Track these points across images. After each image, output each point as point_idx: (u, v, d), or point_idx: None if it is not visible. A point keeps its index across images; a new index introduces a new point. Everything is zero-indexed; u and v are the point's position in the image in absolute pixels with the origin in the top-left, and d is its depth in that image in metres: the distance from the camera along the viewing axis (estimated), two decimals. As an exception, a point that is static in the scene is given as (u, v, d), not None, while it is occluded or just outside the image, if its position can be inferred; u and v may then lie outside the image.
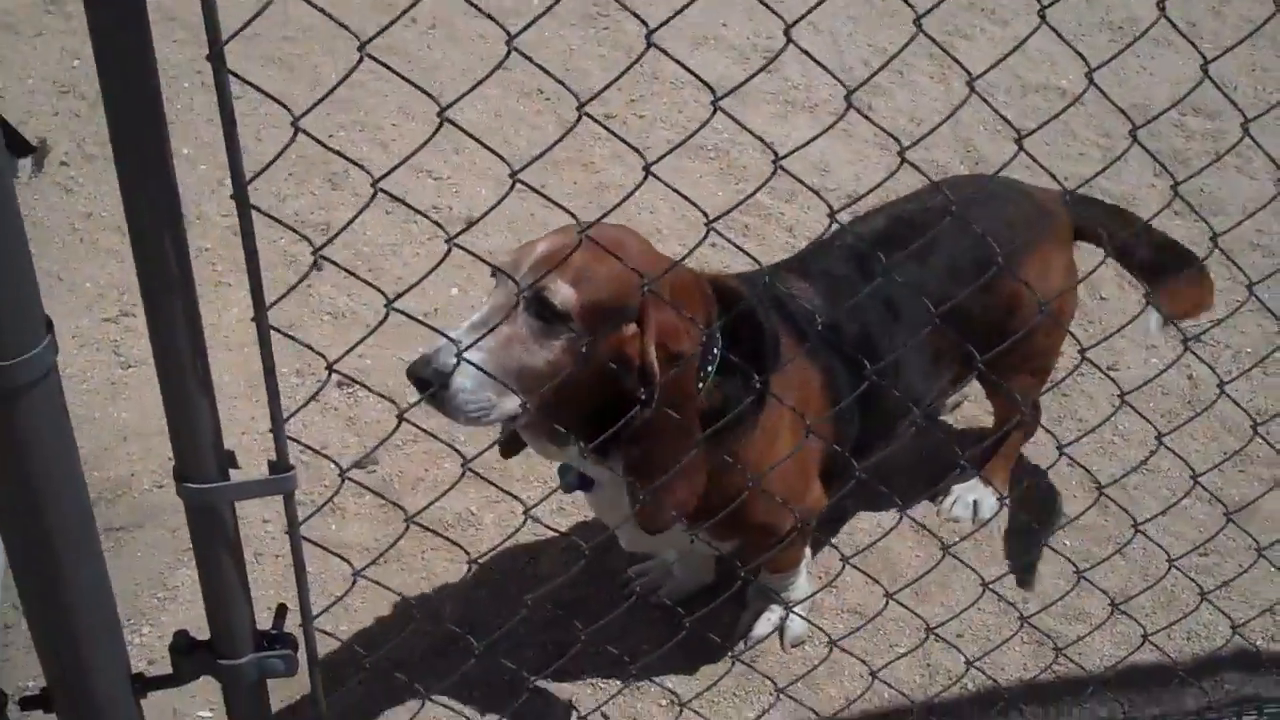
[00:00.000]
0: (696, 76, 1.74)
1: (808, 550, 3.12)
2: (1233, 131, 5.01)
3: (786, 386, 2.59)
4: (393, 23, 1.54)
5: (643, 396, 2.30)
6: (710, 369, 2.49)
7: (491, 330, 2.18)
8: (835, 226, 2.25)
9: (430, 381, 2.23)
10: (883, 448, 2.98)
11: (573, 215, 1.83)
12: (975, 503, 3.53)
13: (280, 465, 1.79)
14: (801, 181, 1.96)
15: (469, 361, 2.12)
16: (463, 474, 1.96)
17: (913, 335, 2.87)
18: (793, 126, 4.90)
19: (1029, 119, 5.00)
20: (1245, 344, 4.13)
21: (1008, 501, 3.45)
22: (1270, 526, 3.46)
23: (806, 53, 1.79)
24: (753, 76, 1.75)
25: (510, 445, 2.69)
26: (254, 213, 1.52)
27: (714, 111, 1.69)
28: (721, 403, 2.48)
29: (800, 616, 3.17)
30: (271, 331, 1.68)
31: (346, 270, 1.76)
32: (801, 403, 2.63)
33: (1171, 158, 4.93)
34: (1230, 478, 3.68)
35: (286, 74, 4.85)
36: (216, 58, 1.41)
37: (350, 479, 1.96)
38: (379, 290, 1.76)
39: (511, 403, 2.30)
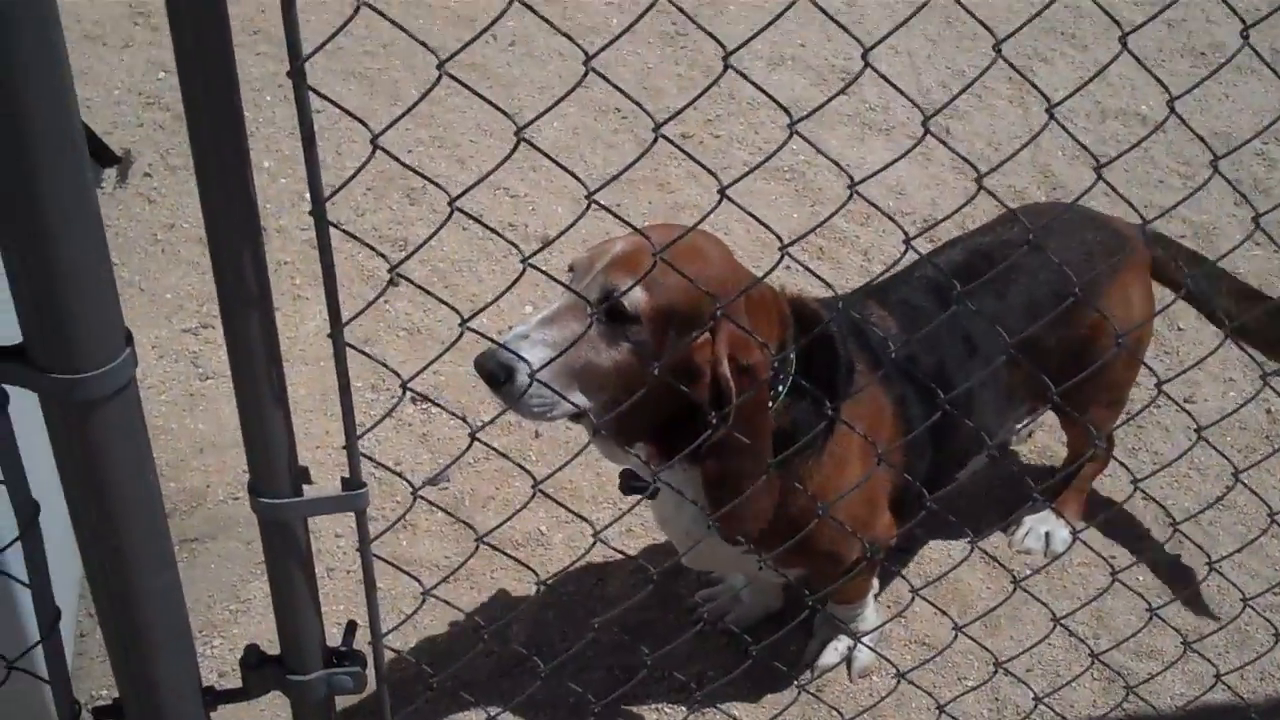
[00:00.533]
0: (773, 99, 1.74)
1: (875, 581, 3.09)
2: (1318, 162, 4.95)
3: (858, 414, 2.58)
4: (473, 40, 1.54)
5: (712, 411, 2.29)
6: (781, 390, 2.48)
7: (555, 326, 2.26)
8: (911, 255, 2.24)
9: (496, 374, 2.24)
10: (954, 480, 2.96)
11: (645, 236, 1.83)
12: (1047, 535, 3.49)
13: (353, 482, 1.80)
14: (877, 207, 1.95)
15: (525, 359, 2.18)
16: (533, 494, 1.96)
17: (988, 368, 2.85)
18: (869, 149, 4.88)
19: (1108, 145, 4.95)
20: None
21: (1080, 535, 3.41)
22: (1350, 565, 3.41)
23: (884, 77, 1.78)
24: (830, 100, 1.75)
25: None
26: (332, 228, 1.52)
27: (790, 135, 1.68)
28: (790, 425, 2.48)
29: (868, 647, 3.14)
30: (353, 349, 1.69)
31: (422, 288, 1.76)
32: (872, 431, 2.62)
33: (1253, 187, 4.87)
34: (1309, 514, 3.62)
35: (367, 89, 4.89)
36: (297, 74, 1.42)
37: (422, 497, 1.97)
38: (454, 309, 1.77)
39: (576, 399, 2.30)
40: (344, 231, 1.59)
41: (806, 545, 2.57)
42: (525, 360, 2.17)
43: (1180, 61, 5.54)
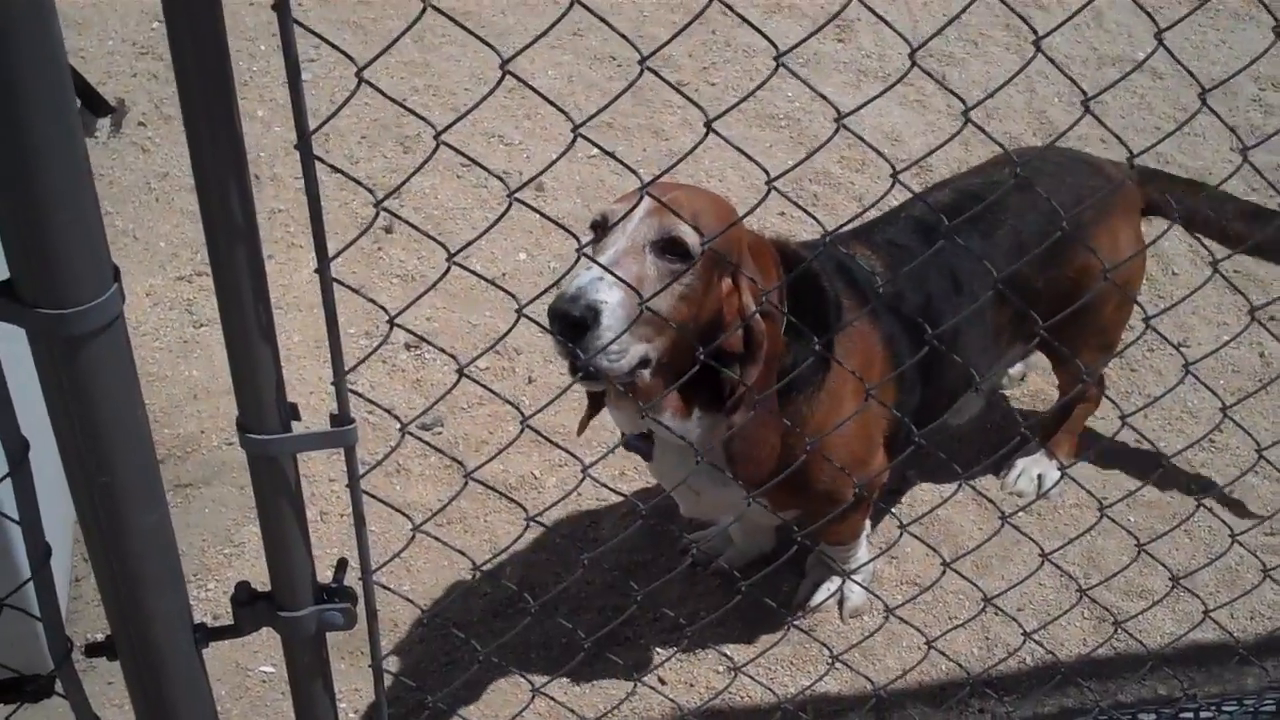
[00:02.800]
0: (762, 34, 1.73)
1: (868, 522, 3.11)
2: (1314, 107, 4.94)
3: (849, 351, 2.61)
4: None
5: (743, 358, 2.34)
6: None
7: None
8: (903, 195, 2.25)
9: (580, 320, 2.16)
10: (941, 418, 2.97)
11: (639, 177, 1.83)
12: (1040, 476, 3.50)
13: (342, 418, 1.80)
14: (864, 140, 1.95)
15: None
16: (521, 430, 1.97)
17: (975, 304, 2.86)
18: (864, 95, 4.87)
19: (1105, 92, 4.93)
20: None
21: (1069, 473, 3.42)
22: (1339, 506, 3.42)
23: (874, 11, 1.77)
24: (816, 31, 1.74)
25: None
26: (327, 174, 1.53)
27: (776, 68, 1.67)
28: (790, 367, 2.49)
29: (860, 586, 3.16)
30: (337, 287, 1.69)
31: (411, 225, 1.76)
32: (864, 367, 2.64)
33: (1250, 133, 4.86)
34: (1300, 456, 3.63)
35: (362, 37, 4.88)
36: (281, 6, 1.42)
37: (411, 433, 1.98)
38: (443, 246, 1.76)
39: (639, 349, 2.28)
40: (330, 166, 1.59)
41: (805, 485, 2.59)
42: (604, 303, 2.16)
43: (1179, 9, 5.51)
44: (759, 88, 1.75)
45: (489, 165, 4.39)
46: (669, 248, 2.28)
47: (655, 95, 4.72)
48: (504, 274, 3.97)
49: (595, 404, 2.72)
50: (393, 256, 4.01)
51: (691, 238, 2.28)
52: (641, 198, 2.14)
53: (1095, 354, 3.23)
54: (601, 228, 2.36)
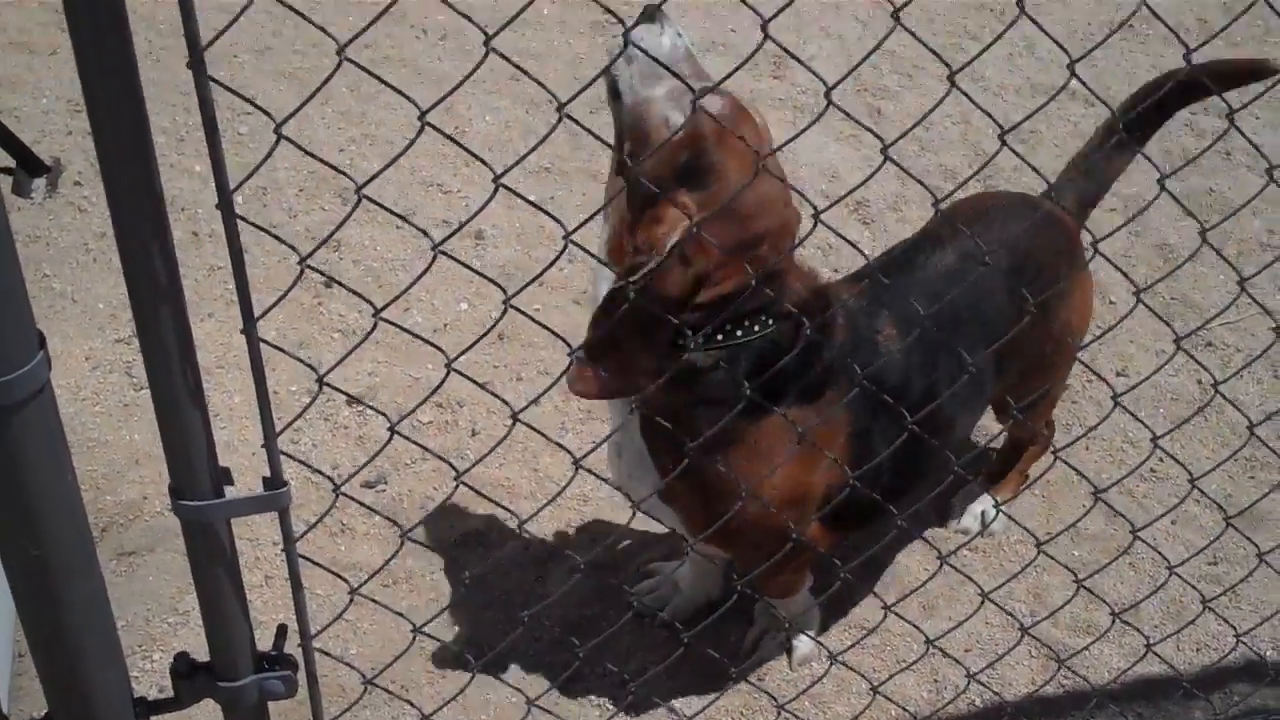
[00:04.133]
0: (680, 80, 1.74)
1: (809, 576, 3.04)
2: (1242, 128, 4.99)
3: (801, 418, 2.47)
4: (372, 23, 1.54)
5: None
6: (738, 334, 2.39)
7: None
8: (822, 229, 2.25)
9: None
10: (913, 490, 2.87)
11: (561, 223, 1.82)
12: (983, 513, 3.51)
13: (274, 481, 1.79)
14: (784, 181, 1.96)
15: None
16: (456, 487, 1.96)
17: (976, 391, 2.84)
18: (803, 132, 4.89)
19: (1038, 120, 4.98)
20: (1255, 346, 4.10)
21: (1007, 513, 3.43)
22: (1281, 533, 3.45)
23: (789, 52, 1.78)
24: (732, 73, 1.75)
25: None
26: (266, 229, 1.52)
27: (693, 109, 1.68)
28: (714, 376, 2.40)
29: (807, 635, 3.14)
30: (270, 345, 1.68)
31: (340, 284, 1.75)
32: (818, 439, 2.51)
33: (1181, 157, 4.91)
34: (1240, 484, 3.66)
35: (297, 88, 4.86)
36: (197, 63, 1.42)
37: (346, 495, 1.97)
38: (370, 303, 1.75)
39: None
40: (250, 224, 1.58)
41: (730, 530, 2.51)
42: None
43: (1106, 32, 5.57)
44: (678, 131, 1.75)
45: (428, 213, 4.38)
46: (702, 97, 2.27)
47: (592, 139, 4.72)
48: (445, 324, 3.96)
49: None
50: (333, 311, 3.98)
51: (720, 107, 2.31)
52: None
53: (1051, 403, 3.26)
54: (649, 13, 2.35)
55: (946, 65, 1.82)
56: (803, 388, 2.48)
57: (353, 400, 3.66)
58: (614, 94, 2.38)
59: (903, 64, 5.27)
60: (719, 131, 2.25)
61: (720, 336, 2.37)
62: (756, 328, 2.39)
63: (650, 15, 2.30)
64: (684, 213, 2.26)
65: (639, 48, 1.99)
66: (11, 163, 4.31)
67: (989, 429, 3.76)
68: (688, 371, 2.36)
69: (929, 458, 2.73)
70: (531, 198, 4.40)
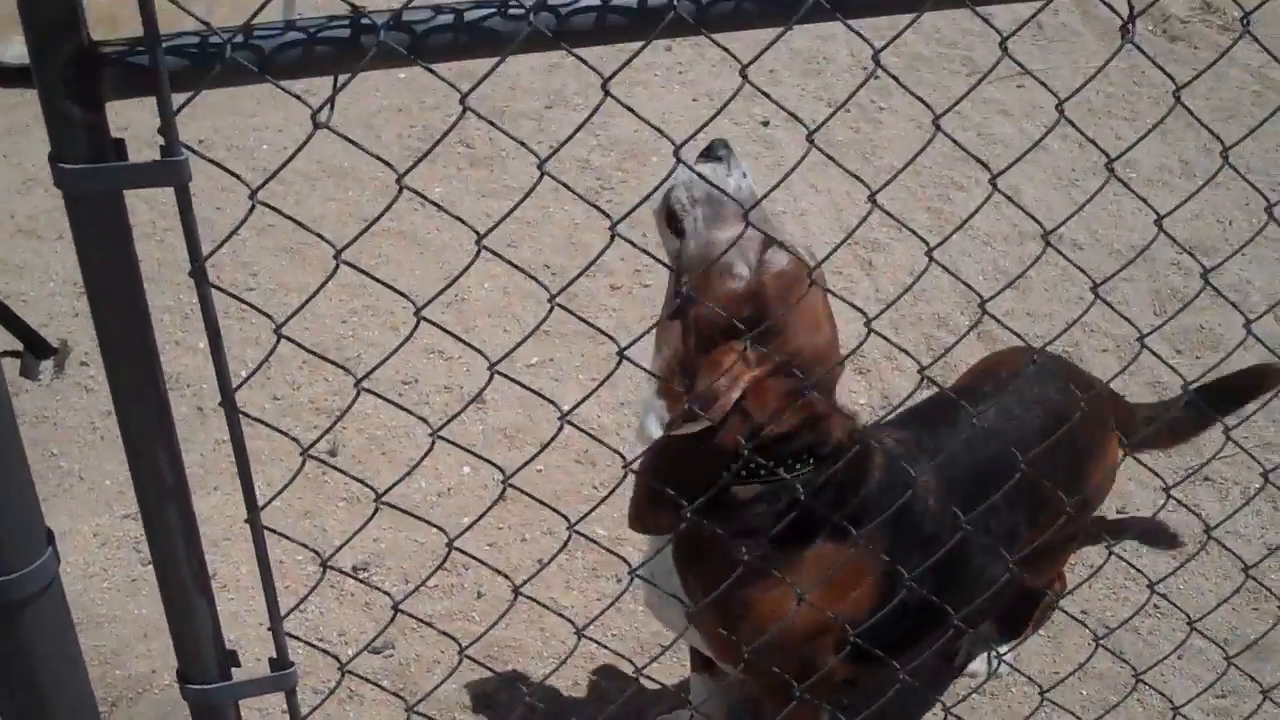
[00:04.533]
0: (657, 260, 1.81)
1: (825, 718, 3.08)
2: (1231, 268, 5.08)
3: (829, 559, 2.51)
4: (367, 229, 1.61)
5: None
6: (781, 470, 2.38)
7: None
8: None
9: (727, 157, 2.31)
10: (929, 636, 2.92)
11: (557, 405, 1.89)
12: (988, 657, 3.52)
13: (281, 662, 1.83)
14: (764, 350, 2.02)
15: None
16: (460, 660, 2.00)
17: (1006, 546, 2.83)
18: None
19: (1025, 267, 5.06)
20: (1253, 479, 4.13)
21: (1009, 663, 3.44)
22: (1290, 665, 3.46)
23: (772, 238, 1.86)
24: (721, 255, 1.82)
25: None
26: (269, 400, 1.58)
27: (679, 279, 1.75)
28: (753, 508, 2.44)
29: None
30: (273, 532, 1.73)
31: (337, 468, 1.81)
32: (840, 584, 2.55)
33: (1170, 296, 4.99)
34: (1244, 616, 3.67)
35: (299, 263, 4.96)
36: (198, 273, 1.49)
37: (351, 672, 2.00)
38: (370, 487, 1.81)
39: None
40: (251, 418, 1.64)
41: (745, 636, 2.54)
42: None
43: (1093, 180, 5.69)
44: (744, 281, 1.82)
45: (429, 380, 4.45)
46: (765, 246, 2.33)
47: (589, 300, 4.82)
48: (448, 489, 4.01)
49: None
50: (337, 479, 4.04)
51: (781, 261, 2.34)
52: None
53: (1067, 556, 3.30)
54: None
55: (924, 242, 1.90)
56: (836, 525, 2.50)
57: (360, 566, 3.69)
58: (674, 228, 2.40)
59: (893, 217, 5.36)
60: (783, 289, 2.31)
61: (763, 472, 2.39)
62: (799, 465, 2.43)
63: (717, 153, 2.35)
64: (745, 365, 2.29)
65: (718, 188, 1.99)
66: (19, 346, 4.40)
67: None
68: (729, 503, 2.41)
69: (953, 606, 2.75)
70: (532, 360, 4.49)
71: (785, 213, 5.34)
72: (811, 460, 2.44)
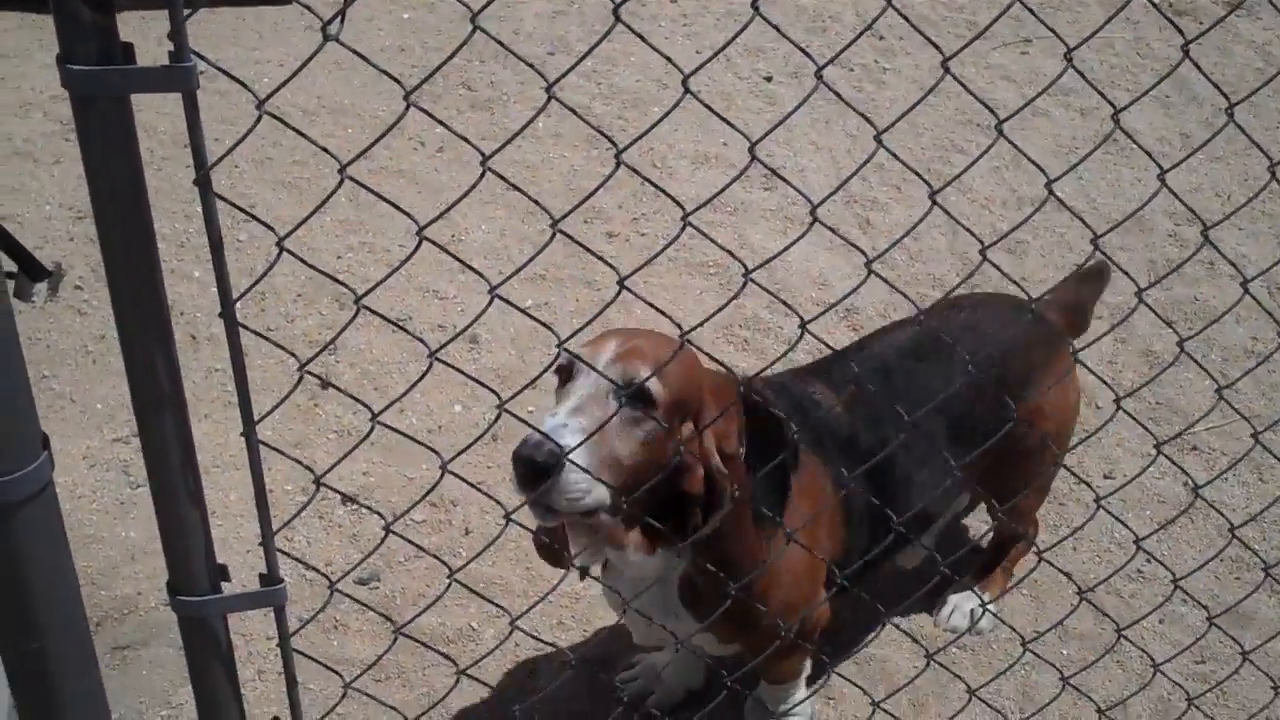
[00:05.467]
0: (663, 191, 1.81)
1: (808, 662, 3.13)
2: (1227, 240, 5.09)
3: (802, 491, 2.65)
4: (374, 143, 1.61)
5: (705, 501, 2.44)
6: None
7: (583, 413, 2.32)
8: (830, 341, 2.34)
9: (543, 466, 2.24)
10: (888, 560, 3.01)
11: (554, 331, 1.89)
12: (972, 611, 3.54)
13: (271, 578, 1.84)
14: (767, 290, 2.02)
15: (571, 461, 2.22)
16: (449, 585, 2.01)
17: (931, 451, 2.92)
18: (791, 241, 4.98)
19: (1026, 231, 5.08)
20: (1239, 450, 4.14)
21: (991, 608, 3.47)
22: (1267, 631, 3.47)
23: (768, 167, 1.86)
24: (720, 192, 1.82)
25: (553, 554, 2.66)
26: (263, 333, 1.58)
27: (683, 226, 1.75)
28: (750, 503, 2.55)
29: (799, 729, 3.18)
30: (268, 447, 1.73)
31: (337, 388, 1.82)
32: (815, 508, 2.69)
33: (1166, 266, 5.00)
34: (1226, 583, 3.69)
35: (296, 198, 4.96)
36: (202, 181, 1.49)
37: (340, 591, 2.01)
38: (367, 407, 1.82)
39: (601, 492, 2.32)
40: (251, 331, 1.65)
41: (754, 620, 2.63)
42: (560, 446, 2.23)
43: (1090, 146, 5.68)
44: (666, 247, 1.82)
45: (424, 318, 4.45)
46: (633, 396, 2.35)
47: (587, 243, 4.81)
48: (439, 426, 4.02)
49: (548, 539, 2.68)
50: (329, 412, 4.04)
51: (656, 389, 2.35)
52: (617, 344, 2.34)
53: (1034, 497, 3.31)
54: (567, 373, 2.43)
55: (928, 184, 1.90)
56: (789, 466, 2.65)
57: (348, 499, 3.70)
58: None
59: (891, 176, 5.38)
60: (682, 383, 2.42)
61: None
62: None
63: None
64: (698, 427, 2.45)
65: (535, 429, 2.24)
66: (14, 267, 4.39)
67: (976, 529, 3.81)
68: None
69: (900, 512, 2.88)
70: (527, 303, 4.49)
71: (785, 168, 5.33)
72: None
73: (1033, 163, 2.13)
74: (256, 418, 1.69)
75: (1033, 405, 3.06)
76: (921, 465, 2.96)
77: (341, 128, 5.37)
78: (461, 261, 1.76)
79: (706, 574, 2.50)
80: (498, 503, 2.07)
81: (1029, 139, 5.66)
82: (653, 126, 1.66)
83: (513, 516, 2.01)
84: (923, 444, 2.93)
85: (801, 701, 3.17)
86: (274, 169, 5.11)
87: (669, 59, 1.76)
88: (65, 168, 5.05)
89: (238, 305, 1.58)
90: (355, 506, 3.71)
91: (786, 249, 2.04)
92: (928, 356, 3.02)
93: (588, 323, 1.98)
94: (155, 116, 5.18)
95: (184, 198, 4.91)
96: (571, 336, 1.94)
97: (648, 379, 2.34)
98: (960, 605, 3.56)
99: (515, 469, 2.27)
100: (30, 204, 4.87)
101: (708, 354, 2.06)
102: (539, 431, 2.25)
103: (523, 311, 1.86)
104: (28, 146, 5.16)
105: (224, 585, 1.83)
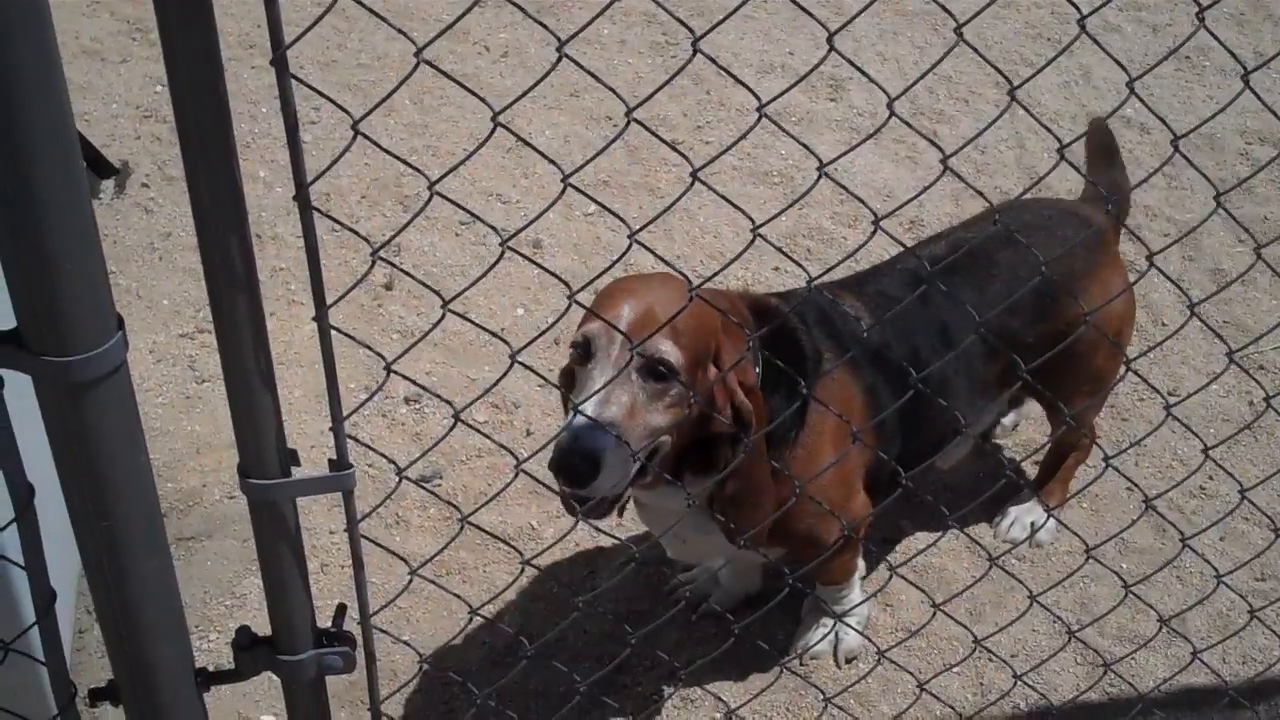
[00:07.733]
0: (744, 85, 1.79)
1: (861, 563, 3.15)
2: (1301, 160, 5.00)
3: (828, 397, 2.66)
4: (451, 25, 1.60)
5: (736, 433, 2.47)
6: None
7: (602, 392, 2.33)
8: (893, 247, 2.33)
9: (585, 470, 2.28)
10: (929, 463, 3.02)
11: (625, 222, 1.88)
12: (1032, 523, 3.54)
13: (340, 463, 1.85)
14: (844, 187, 2.01)
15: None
16: (516, 475, 2.02)
17: (965, 359, 2.91)
18: (856, 153, 4.93)
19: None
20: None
21: (1057, 517, 3.46)
22: (1331, 551, 3.46)
23: (856, 66, 1.83)
24: (796, 84, 1.80)
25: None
26: (327, 233, 1.59)
27: (759, 118, 1.73)
28: (769, 417, 2.56)
29: (855, 630, 3.19)
30: (337, 339, 1.74)
31: (408, 274, 1.82)
32: (843, 412, 2.70)
33: (1237, 188, 4.92)
34: (1291, 502, 3.67)
35: (361, 100, 4.96)
36: (279, 61, 1.49)
37: (409, 479, 2.02)
38: (438, 294, 1.81)
39: (632, 468, 2.36)
40: (327, 216, 1.65)
41: (786, 529, 2.65)
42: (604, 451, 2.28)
43: (1165, 66, 5.59)
44: (742, 138, 1.81)
45: (487, 222, 4.45)
46: (654, 369, 2.36)
47: (650, 154, 4.79)
48: (502, 329, 4.03)
49: None
50: (392, 313, 4.06)
51: (674, 355, 2.36)
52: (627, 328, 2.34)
53: (1085, 402, 3.28)
54: (583, 350, 2.43)
55: (1008, 80, 1.87)
56: (810, 375, 2.68)
57: (412, 397, 3.73)
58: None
59: (959, 89, 5.31)
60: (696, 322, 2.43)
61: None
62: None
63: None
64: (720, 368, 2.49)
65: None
66: (81, 165, 4.42)
67: (1037, 440, 3.79)
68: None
69: (934, 419, 2.93)
70: (591, 209, 4.48)
71: (853, 79, 5.27)
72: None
73: (1117, 63, 2.09)
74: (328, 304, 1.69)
75: (1075, 310, 3.03)
76: (955, 371, 2.97)
77: (407, 30, 5.34)
78: (535, 149, 1.76)
79: (728, 500, 2.55)
80: (561, 390, 2.07)
81: (1099, 57, 5.57)
82: (721, 21, 1.64)
83: (581, 409, 2.01)
84: (960, 354, 2.92)
85: (858, 604, 3.19)
86: (339, 71, 5.11)
87: (747, -53, 1.74)
88: (132, 66, 5.07)
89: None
90: (417, 406, 3.74)
91: (855, 147, 2.02)
92: (963, 268, 3.00)
93: (660, 214, 1.96)
94: (221, 18, 5.16)
95: (249, 99, 4.92)
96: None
97: (666, 353, 2.36)
98: (1020, 517, 3.56)
99: (558, 477, 2.33)
100: (98, 102, 4.90)
101: (783, 251, 2.05)
102: (572, 435, 2.29)
103: (596, 201, 1.85)
104: (95, 45, 5.17)
105: (294, 470, 1.84)
